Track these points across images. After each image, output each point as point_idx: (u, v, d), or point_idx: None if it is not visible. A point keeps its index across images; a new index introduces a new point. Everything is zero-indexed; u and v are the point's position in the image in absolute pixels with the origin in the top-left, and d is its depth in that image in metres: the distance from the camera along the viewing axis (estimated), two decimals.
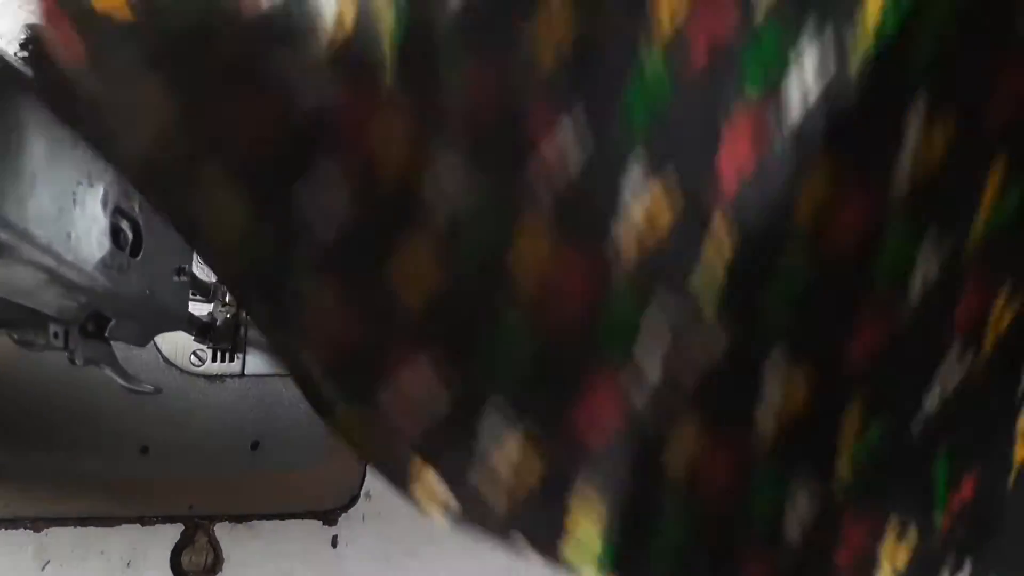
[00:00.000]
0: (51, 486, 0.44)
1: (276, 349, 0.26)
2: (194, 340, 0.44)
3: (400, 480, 0.26)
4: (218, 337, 0.44)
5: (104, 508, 0.44)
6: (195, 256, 0.44)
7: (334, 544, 0.43)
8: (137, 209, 0.34)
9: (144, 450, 0.45)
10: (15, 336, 0.32)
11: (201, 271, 0.45)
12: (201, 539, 0.44)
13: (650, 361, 0.26)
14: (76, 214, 0.29)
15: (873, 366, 0.27)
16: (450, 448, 0.26)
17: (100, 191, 0.30)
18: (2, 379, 0.46)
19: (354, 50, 0.25)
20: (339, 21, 0.25)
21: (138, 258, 0.34)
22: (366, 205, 0.25)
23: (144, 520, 0.44)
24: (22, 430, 0.45)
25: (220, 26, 0.24)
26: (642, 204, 0.25)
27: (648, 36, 0.25)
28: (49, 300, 0.30)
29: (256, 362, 0.46)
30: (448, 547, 0.43)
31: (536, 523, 0.26)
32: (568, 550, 0.26)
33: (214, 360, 0.46)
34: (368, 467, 0.44)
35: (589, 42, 0.25)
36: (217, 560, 0.43)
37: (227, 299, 0.45)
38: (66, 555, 0.43)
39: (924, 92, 0.25)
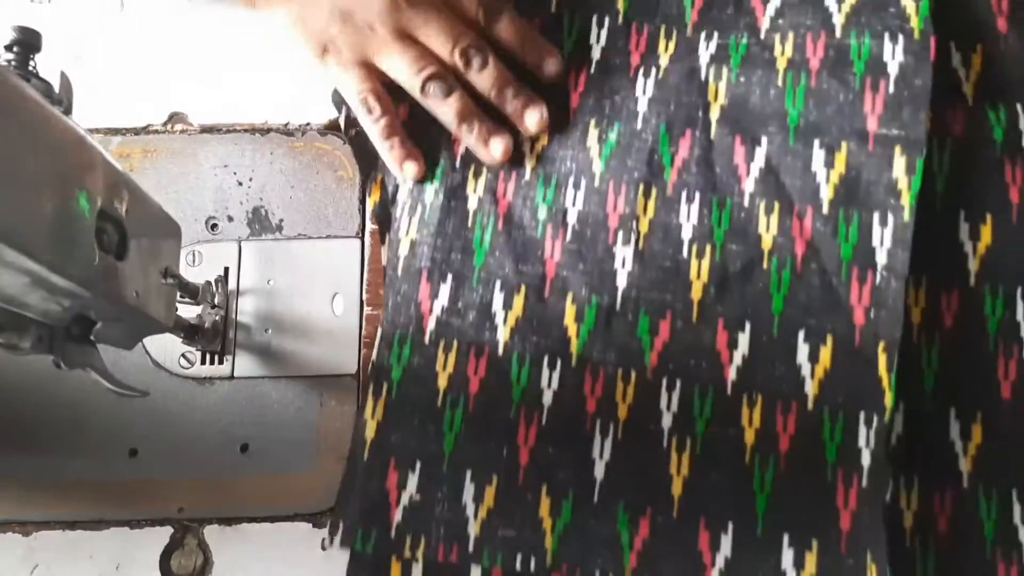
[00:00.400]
0: (39, 489, 0.44)
1: None
2: (182, 343, 0.44)
3: None
4: (206, 340, 0.44)
5: (93, 511, 0.44)
6: (182, 259, 0.44)
7: (323, 546, 0.43)
8: (123, 212, 0.34)
9: (133, 453, 0.44)
10: (8, 346, 0.32)
11: (188, 273, 0.45)
12: (191, 542, 0.43)
13: None
14: (60, 216, 0.29)
15: None
16: None
17: (85, 193, 0.30)
18: None
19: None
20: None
21: (124, 261, 0.34)
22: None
23: (133, 523, 0.44)
24: (9, 433, 0.45)
25: None
26: None
27: None
28: (33, 303, 0.30)
29: (245, 364, 0.46)
30: None
31: None
32: None
33: (203, 363, 0.46)
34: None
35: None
36: (207, 563, 0.43)
37: (215, 301, 0.45)
38: (55, 558, 0.43)
39: None
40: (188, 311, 0.44)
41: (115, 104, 0.50)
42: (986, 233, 0.45)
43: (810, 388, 0.42)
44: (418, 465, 0.42)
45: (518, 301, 0.44)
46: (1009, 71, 0.48)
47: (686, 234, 0.45)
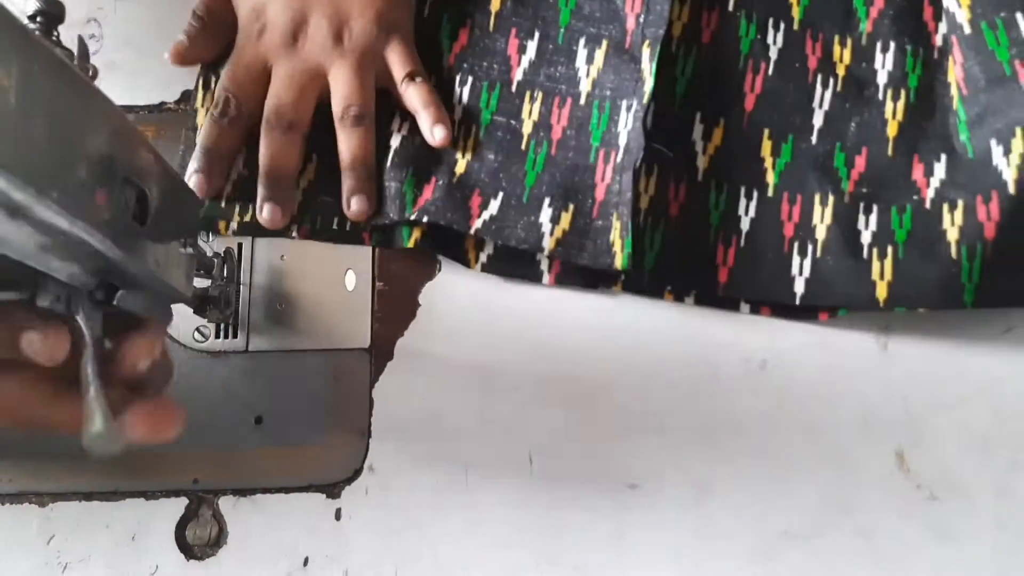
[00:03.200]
0: (55, 461, 0.44)
1: None
2: (194, 313, 0.44)
3: None
4: (217, 310, 0.44)
5: (109, 483, 0.44)
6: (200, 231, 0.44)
7: (338, 517, 0.44)
8: (145, 178, 0.34)
9: None
10: (25, 302, 0.32)
11: (205, 245, 0.46)
12: (205, 513, 0.44)
13: None
14: (88, 178, 0.29)
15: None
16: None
17: (109, 158, 0.31)
18: None
19: None
20: None
21: (145, 227, 0.34)
22: None
23: (149, 494, 0.44)
24: None
25: None
26: None
27: None
28: (61, 265, 0.30)
29: (259, 339, 0.46)
30: (451, 519, 0.44)
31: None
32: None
33: (217, 336, 0.46)
34: (371, 440, 0.45)
35: None
36: (221, 533, 0.44)
37: (224, 274, 0.45)
38: (71, 529, 0.44)
39: None
40: (199, 283, 0.44)
41: (129, 82, 0.50)
42: (717, 135, 0.49)
43: (584, 86, 0.50)
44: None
45: (566, 217, 0.47)
46: None
47: (457, 114, 0.50)
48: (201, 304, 0.44)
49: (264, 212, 0.46)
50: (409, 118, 0.49)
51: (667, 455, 0.45)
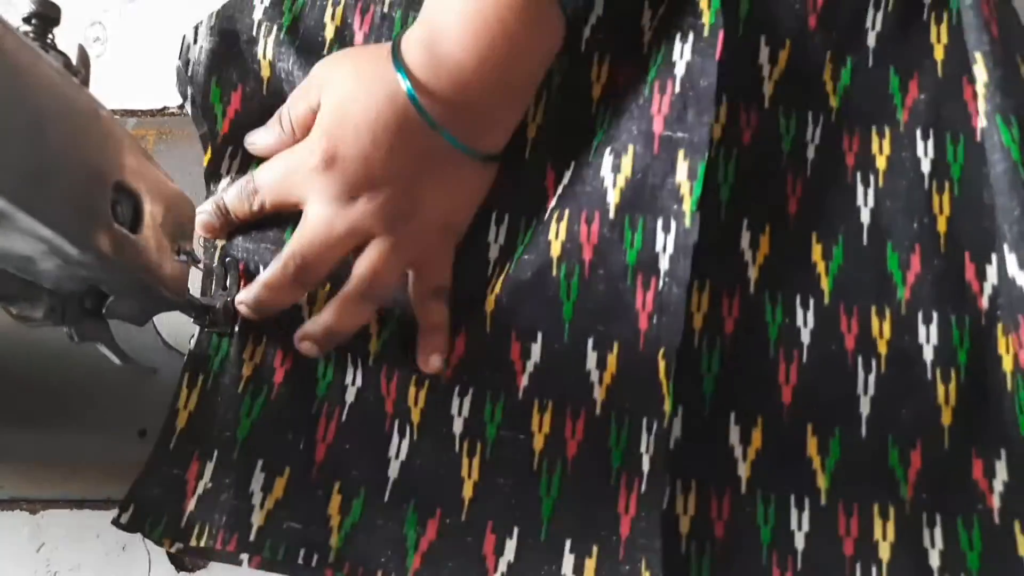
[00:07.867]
0: (48, 468, 0.44)
1: None
2: (193, 323, 0.43)
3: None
4: (217, 320, 0.44)
5: (101, 491, 0.44)
6: (195, 238, 0.44)
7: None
8: (138, 186, 0.34)
9: (142, 433, 0.44)
10: (12, 310, 0.32)
11: (201, 253, 0.45)
12: None
13: None
14: (76, 185, 0.29)
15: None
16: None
17: (101, 163, 0.30)
18: None
19: None
20: None
21: (137, 235, 0.34)
22: None
23: None
24: (19, 412, 0.45)
25: None
26: None
27: None
28: (47, 272, 0.30)
29: None
30: None
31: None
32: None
33: None
34: None
35: None
36: None
37: (226, 284, 0.45)
38: (62, 537, 0.43)
39: None
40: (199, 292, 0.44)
41: (131, 86, 0.50)
42: (764, 243, 0.44)
43: (598, 394, 0.42)
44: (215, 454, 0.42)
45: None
46: (808, 74, 0.46)
47: (492, 254, 0.45)
48: (202, 314, 0.43)
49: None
50: (409, 431, 0.43)
51: None
